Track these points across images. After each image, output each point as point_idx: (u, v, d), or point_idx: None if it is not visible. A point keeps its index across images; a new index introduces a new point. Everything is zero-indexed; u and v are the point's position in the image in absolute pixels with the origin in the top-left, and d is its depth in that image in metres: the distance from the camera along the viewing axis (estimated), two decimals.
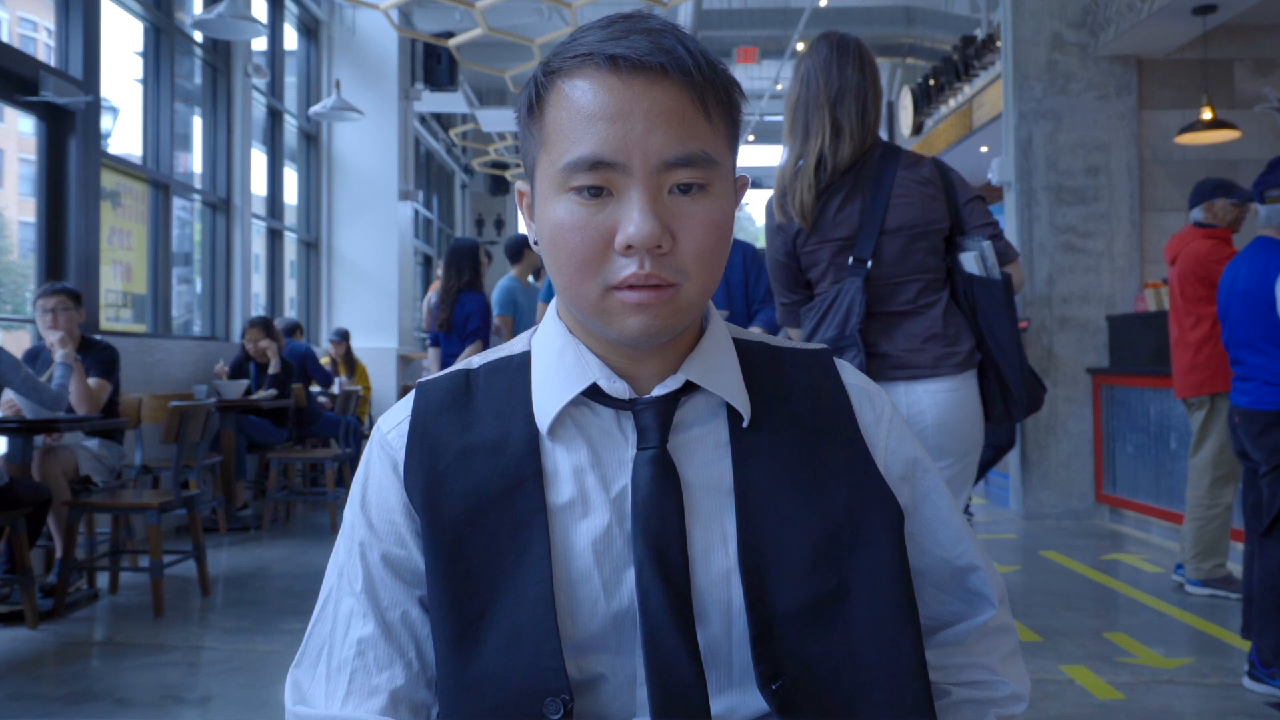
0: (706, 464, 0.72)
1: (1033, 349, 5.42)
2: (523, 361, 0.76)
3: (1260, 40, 5.63)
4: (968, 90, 8.79)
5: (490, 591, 0.68)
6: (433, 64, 8.78)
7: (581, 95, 0.65)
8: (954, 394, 1.85)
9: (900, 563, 0.71)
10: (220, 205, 6.30)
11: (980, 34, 8.49)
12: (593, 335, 0.72)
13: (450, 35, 7.76)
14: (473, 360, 0.79)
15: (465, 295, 4.38)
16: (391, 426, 0.75)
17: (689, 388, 0.72)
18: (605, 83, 0.65)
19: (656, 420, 0.70)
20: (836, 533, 0.70)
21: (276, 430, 5.41)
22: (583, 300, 0.67)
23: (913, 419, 1.85)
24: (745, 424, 0.73)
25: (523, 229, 0.85)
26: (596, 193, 0.65)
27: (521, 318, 4.75)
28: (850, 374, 0.79)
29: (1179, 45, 5.40)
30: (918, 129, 10.42)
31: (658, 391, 0.71)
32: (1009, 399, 1.90)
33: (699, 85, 0.66)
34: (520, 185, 0.75)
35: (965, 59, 8.62)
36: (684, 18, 10.08)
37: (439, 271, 4.78)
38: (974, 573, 0.79)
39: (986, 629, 0.79)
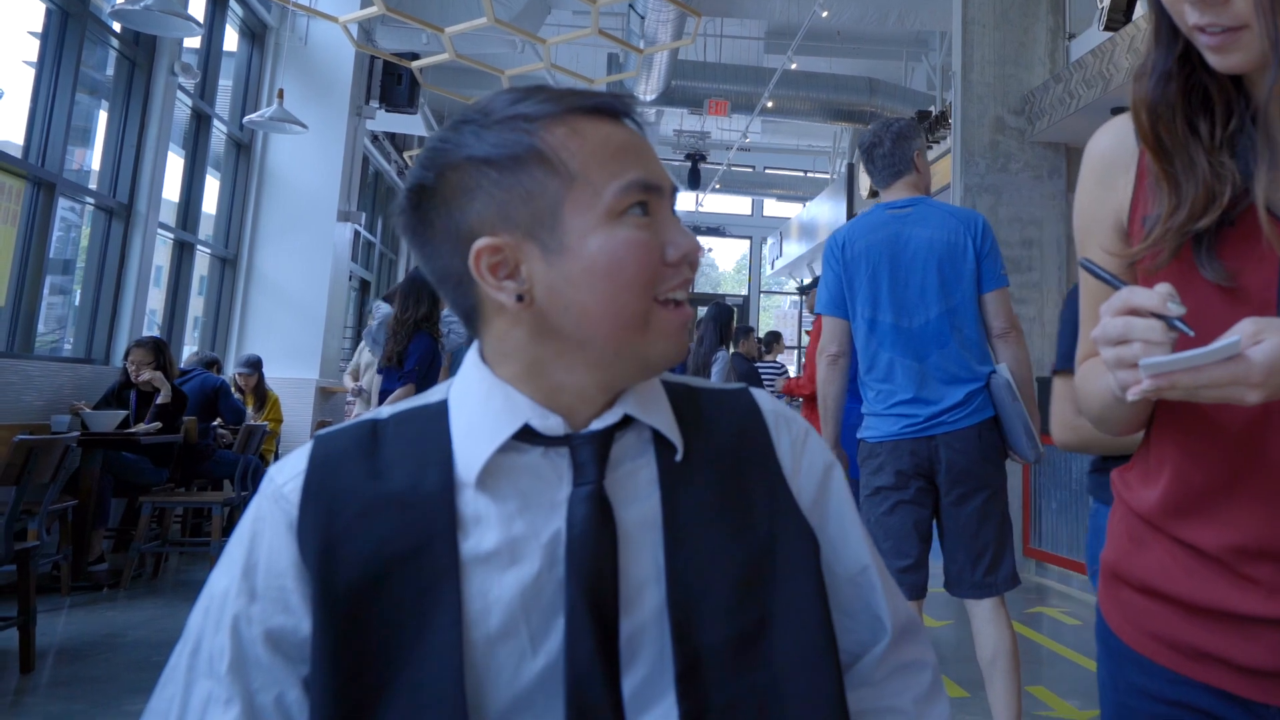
0: (639, 500, 0.71)
1: None
2: (439, 410, 0.72)
3: None
4: None
5: (386, 670, 0.63)
6: (391, 83, 8.33)
7: (597, 131, 0.69)
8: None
9: (819, 593, 0.72)
10: (119, 210, 5.64)
11: (935, 110, 9.12)
12: (529, 378, 0.70)
13: (415, 56, 7.30)
14: (381, 410, 0.74)
15: (418, 333, 3.90)
16: (287, 479, 0.69)
17: (622, 423, 0.72)
18: (606, 122, 0.70)
19: (594, 455, 0.69)
20: (759, 565, 0.71)
21: (154, 470, 4.74)
22: (626, 317, 0.68)
23: None
24: (679, 457, 0.73)
25: None
26: (646, 212, 0.69)
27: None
28: (767, 401, 0.81)
29: None
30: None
31: (596, 425, 0.70)
32: None
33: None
34: (489, 242, 0.68)
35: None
36: (659, 68, 9.97)
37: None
38: (873, 593, 0.79)
39: (899, 665, 0.79)
